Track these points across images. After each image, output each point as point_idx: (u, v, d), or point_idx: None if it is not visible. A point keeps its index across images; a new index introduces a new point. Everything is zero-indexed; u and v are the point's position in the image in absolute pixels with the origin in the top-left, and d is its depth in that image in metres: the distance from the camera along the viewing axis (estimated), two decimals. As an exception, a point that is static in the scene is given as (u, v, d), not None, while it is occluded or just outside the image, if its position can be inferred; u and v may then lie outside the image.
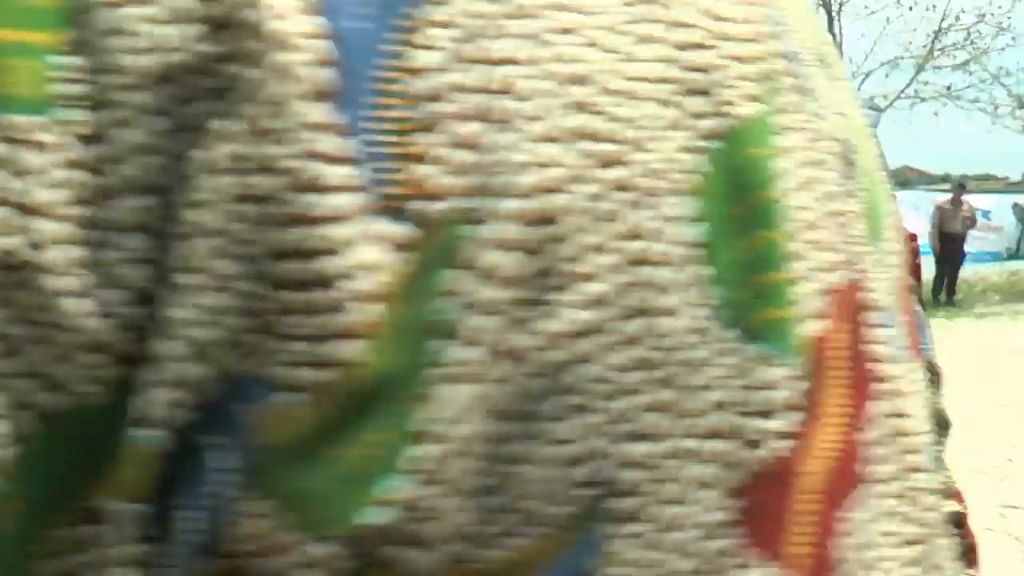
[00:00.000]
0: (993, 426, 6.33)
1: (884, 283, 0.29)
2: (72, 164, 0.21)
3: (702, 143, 0.25)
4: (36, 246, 0.21)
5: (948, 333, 10.48)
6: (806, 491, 0.26)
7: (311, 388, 0.21)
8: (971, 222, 13.65)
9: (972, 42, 15.66)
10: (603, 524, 0.24)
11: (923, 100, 16.15)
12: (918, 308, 0.35)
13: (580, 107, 0.23)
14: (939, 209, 13.45)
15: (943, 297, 13.28)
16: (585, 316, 0.23)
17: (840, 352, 0.27)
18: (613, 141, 0.23)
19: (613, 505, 0.24)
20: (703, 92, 0.25)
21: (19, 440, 0.21)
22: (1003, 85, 16.38)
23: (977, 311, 12.92)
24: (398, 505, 0.22)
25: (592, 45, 0.23)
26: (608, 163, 0.23)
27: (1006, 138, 19.46)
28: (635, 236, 0.23)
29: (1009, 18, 15.86)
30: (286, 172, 0.21)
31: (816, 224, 0.26)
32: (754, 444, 0.25)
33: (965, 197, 13.84)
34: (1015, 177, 30.27)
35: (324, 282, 0.21)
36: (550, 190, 0.22)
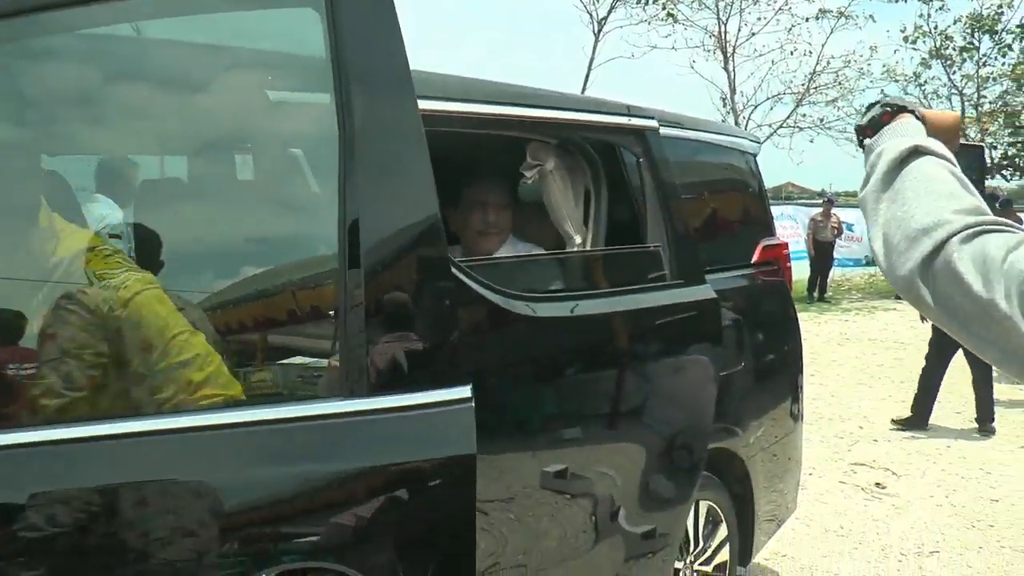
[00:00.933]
0: (850, 399, 6.85)
1: None
2: None
3: None
4: None
5: (818, 324, 11.10)
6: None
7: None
8: (838, 232, 14.31)
9: (840, 83, 16.50)
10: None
11: (801, 129, 16.92)
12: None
13: None
14: (812, 220, 14.07)
15: (816, 294, 13.96)
16: None
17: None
18: None
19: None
20: None
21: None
22: (864, 119, 17.21)
23: (843, 307, 13.61)
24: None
25: None
26: None
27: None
28: None
29: (869, 64, 16.76)
30: None
31: None
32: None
33: (834, 211, 14.51)
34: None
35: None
36: None
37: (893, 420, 6.04)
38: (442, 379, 1.51)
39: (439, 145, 1.59)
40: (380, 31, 1.49)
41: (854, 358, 8.85)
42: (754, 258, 3.13)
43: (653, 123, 2.59)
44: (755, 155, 3.40)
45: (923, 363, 5.98)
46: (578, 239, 2.57)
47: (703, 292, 2.59)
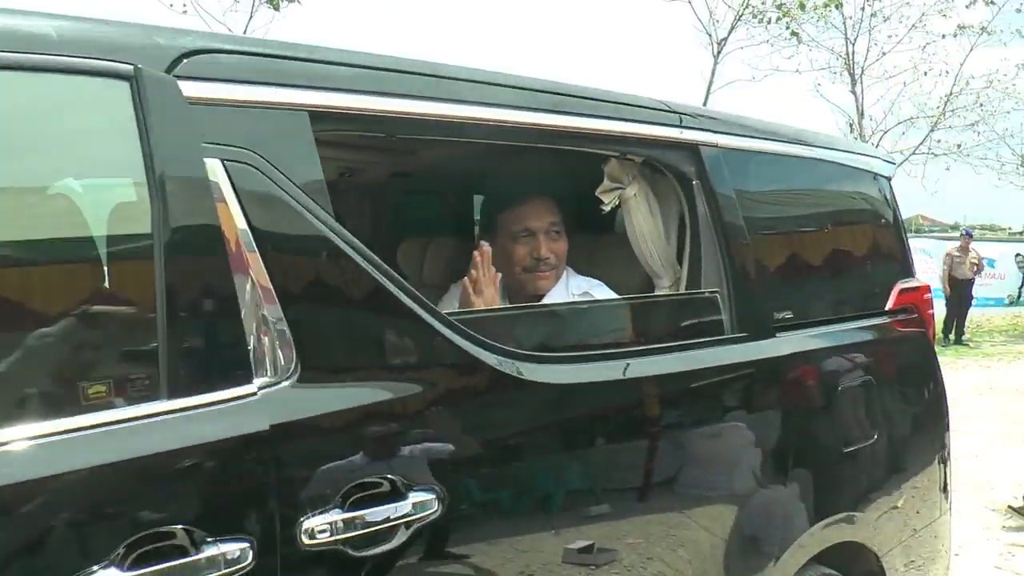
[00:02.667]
0: (998, 461, 6.01)
1: None
2: None
3: None
4: None
5: (955, 371, 10.08)
6: None
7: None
8: (978, 268, 13.18)
9: (981, 105, 15.23)
10: None
11: (936, 156, 15.69)
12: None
13: None
14: (948, 255, 13.03)
15: (952, 337, 12.83)
16: None
17: None
18: None
19: None
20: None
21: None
22: (1008, 145, 15.92)
23: (983, 351, 12.44)
24: None
25: None
26: None
27: (1010, 193, 18.96)
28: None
29: (1014, 84, 15.42)
30: None
31: None
32: None
33: (973, 245, 13.37)
34: (1017, 227, 30.50)
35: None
36: None
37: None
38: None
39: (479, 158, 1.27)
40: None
41: (999, 412, 7.90)
42: (889, 304, 2.59)
43: (709, 136, 2.06)
44: (889, 178, 2.85)
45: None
46: (667, 281, 2.11)
47: (771, 348, 2.06)
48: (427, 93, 1.54)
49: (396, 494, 1.35)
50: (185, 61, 1.28)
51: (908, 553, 2.51)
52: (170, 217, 1.21)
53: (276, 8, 11.48)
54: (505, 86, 1.70)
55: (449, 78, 1.60)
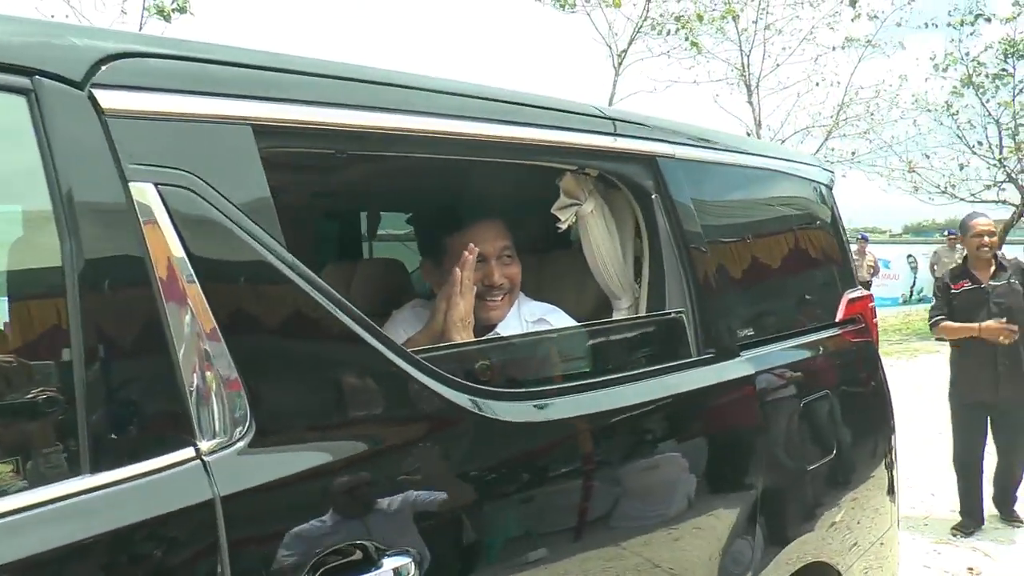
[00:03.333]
0: (912, 462, 6.16)
1: None
2: None
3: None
4: None
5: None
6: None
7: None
8: (875, 271, 13.73)
9: (872, 114, 15.94)
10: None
11: (831, 164, 16.31)
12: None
13: None
14: (846, 259, 13.50)
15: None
16: None
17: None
18: None
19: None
20: None
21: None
22: (895, 152, 16.67)
23: (883, 350, 12.91)
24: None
25: None
26: None
27: (896, 198, 20.02)
28: None
29: (897, 95, 16.20)
30: None
31: None
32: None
33: (868, 248, 13.92)
34: (896, 230, 33.16)
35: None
36: None
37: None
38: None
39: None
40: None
41: (906, 411, 8.13)
42: (839, 315, 2.55)
43: (666, 147, 1.97)
44: (830, 187, 2.83)
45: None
46: (626, 301, 2.00)
47: (739, 368, 1.97)
48: (392, 105, 1.38)
49: (369, 561, 1.18)
50: (104, 67, 1.09)
51: (866, 565, 2.47)
52: (85, 252, 1.01)
53: (167, 19, 10.96)
54: (485, 99, 1.56)
55: (424, 90, 1.45)
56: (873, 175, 16.62)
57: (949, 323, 4.62)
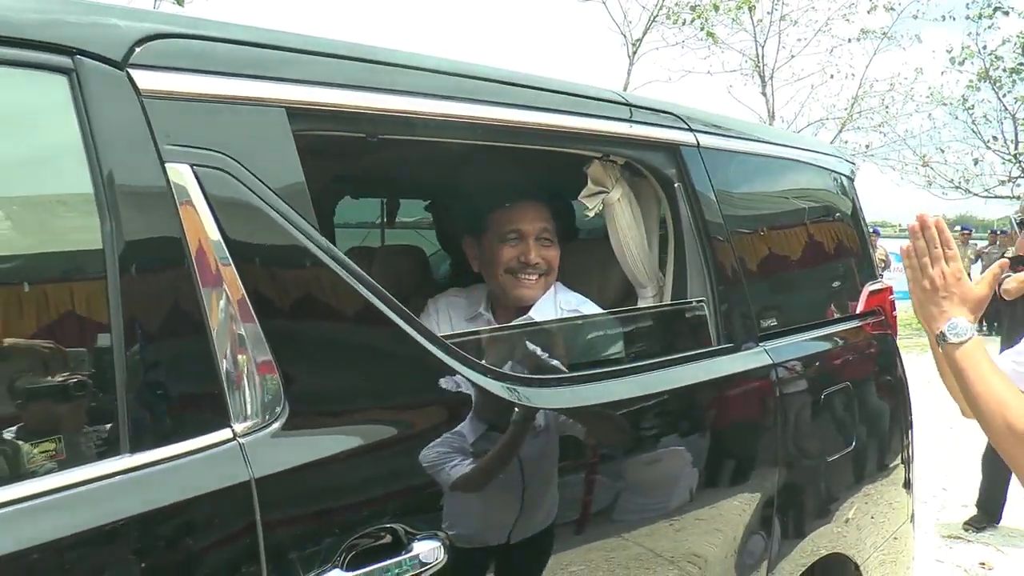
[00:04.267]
0: (925, 454, 6.14)
1: None
2: None
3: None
4: None
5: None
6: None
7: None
8: (886, 264, 13.66)
9: (886, 107, 15.85)
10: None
11: (846, 156, 16.23)
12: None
13: None
14: (858, 252, 13.44)
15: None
16: None
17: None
18: None
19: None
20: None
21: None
22: (908, 146, 16.57)
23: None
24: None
25: None
26: None
27: (909, 192, 19.90)
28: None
29: (912, 88, 16.09)
30: None
31: None
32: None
33: (880, 242, 13.86)
34: (906, 224, 33.36)
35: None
36: None
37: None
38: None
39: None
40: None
41: (919, 404, 8.11)
42: (861, 307, 2.54)
43: (689, 136, 1.96)
44: (852, 178, 2.81)
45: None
46: (651, 290, 1.99)
47: (756, 359, 1.96)
48: (429, 90, 1.38)
49: (399, 545, 1.18)
50: (142, 48, 1.08)
51: (882, 559, 2.47)
52: (124, 233, 1.01)
53: (180, 3, 10.95)
54: (514, 84, 1.56)
55: (461, 75, 1.45)
56: (886, 168, 16.54)
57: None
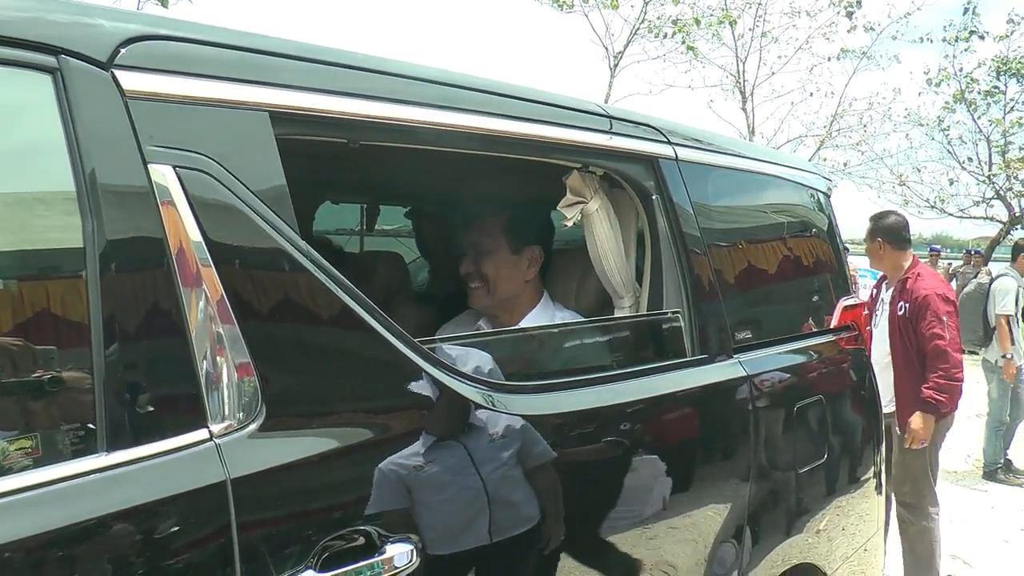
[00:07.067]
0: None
1: None
2: None
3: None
4: None
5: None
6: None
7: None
8: (853, 283, 13.86)
9: (864, 126, 16.04)
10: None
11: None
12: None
13: None
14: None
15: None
16: None
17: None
18: None
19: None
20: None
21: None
22: (885, 164, 16.77)
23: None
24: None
25: None
26: None
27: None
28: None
29: (891, 108, 16.31)
30: None
31: None
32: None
33: (850, 259, 14.02)
34: None
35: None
36: None
37: None
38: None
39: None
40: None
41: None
42: (835, 321, 2.58)
43: (668, 149, 1.99)
44: (828, 195, 2.86)
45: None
46: (628, 300, 2.02)
47: (730, 371, 1.99)
48: (412, 98, 1.40)
49: (371, 547, 1.19)
50: (127, 49, 1.09)
51: (852, 569, 2.50)
52: (106, 232, 1.02)
53: (164, 5, 10.91)
54: (496, 94, 1.58)
55: (443, 84, 1.47)
56: (863, 186, 16.73)
57: None
